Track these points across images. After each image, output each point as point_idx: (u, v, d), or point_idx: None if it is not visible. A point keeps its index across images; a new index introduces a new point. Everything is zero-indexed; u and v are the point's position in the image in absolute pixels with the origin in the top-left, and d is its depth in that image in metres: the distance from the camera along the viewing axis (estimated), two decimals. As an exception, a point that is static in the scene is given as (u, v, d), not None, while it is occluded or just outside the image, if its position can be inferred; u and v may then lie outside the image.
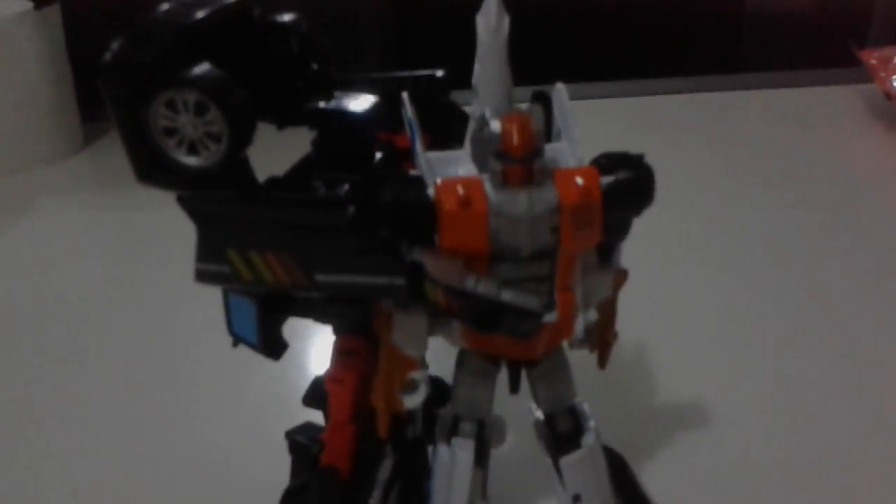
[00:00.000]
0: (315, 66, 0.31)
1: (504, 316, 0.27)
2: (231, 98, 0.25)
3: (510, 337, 0.28)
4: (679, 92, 0.87)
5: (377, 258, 0.26)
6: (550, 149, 0.28)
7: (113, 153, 0.49)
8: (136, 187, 0.27)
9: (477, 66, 0.28)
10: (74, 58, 0.81)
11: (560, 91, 0.29)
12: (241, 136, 0.25)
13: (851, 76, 0.82)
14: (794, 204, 0.63)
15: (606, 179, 0.27)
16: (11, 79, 0.75)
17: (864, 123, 0.75)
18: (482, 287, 0.27)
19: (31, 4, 0.76)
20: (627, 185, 0.28)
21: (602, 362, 0.33)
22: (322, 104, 0.30)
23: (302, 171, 0.30)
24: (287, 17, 0.31)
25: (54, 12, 0.80)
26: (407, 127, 0.28)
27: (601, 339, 0.32)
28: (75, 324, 0.53)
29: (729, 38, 0.95)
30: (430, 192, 0.26)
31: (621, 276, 0.31)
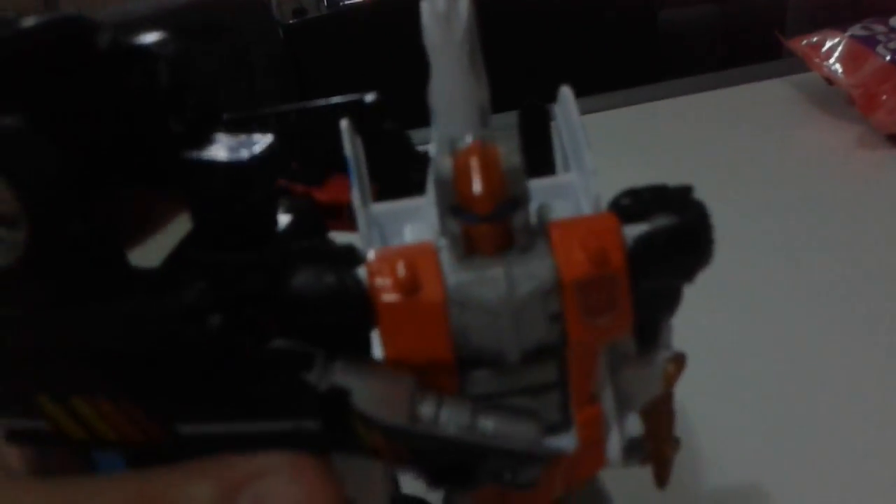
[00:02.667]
0: (193, 102, 0.23)
1: (484, 461, 0.18)
2: (24, 161, 0.16)
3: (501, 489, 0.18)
4: (605, 109, 0.82)
5: (272, 389, 0.17)
6: (551, 186, 0.20)
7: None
8: None
9: (431, 77, 0.20)
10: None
11: (566, 97, 0.21)
12: (50, 217, 0.17)
13: (782, 68, 0.79)
14: (759, 205, 0.58)
15: (635, 231, 0.18)
16: None
17: (808, 112, 0.72)
18: (446, 416, 0.18)
19: None
20: (670, 238, 0.18)
21: (661, 480, 0.23)
22: (193, 154, 0.20)
23: (176, 256, 0.20)
24: (149, 39, 0.22)
25: None
26: (349, 166, 0.20)
27: (656, 452, 0.22)
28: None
29: (645, 53, 0.92)
30: (362, 272, 0.17)
31: (677, 364, 0.21)
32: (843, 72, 0.66)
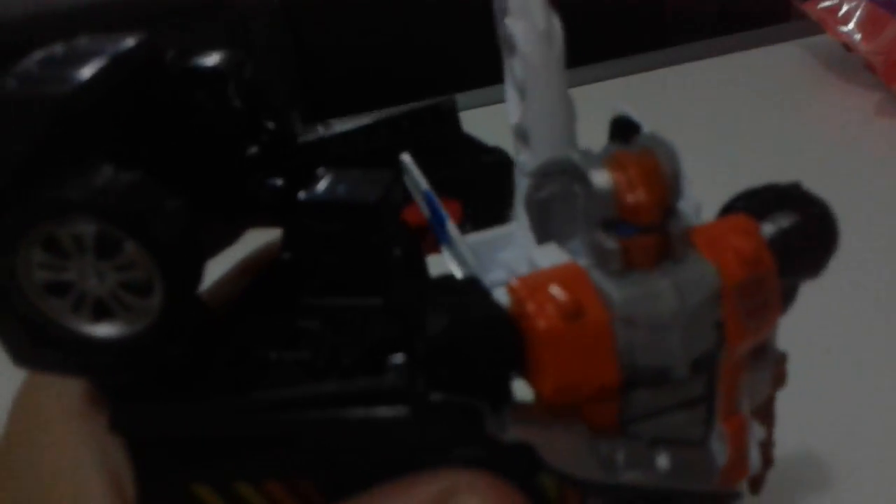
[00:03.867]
0: (269, 125, 0.21)
1: (677, 501, 0.17)
2: (159, 222, 0.15)
3: None
4: (611, 77, 0.80)
5: (455, 450, 0.16)
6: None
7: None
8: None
9: (518, 99, 0.19)
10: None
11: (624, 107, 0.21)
12: (184, 279, 0.16)
13: (794, 31, 0.77)
14: (773, 177, 0.56)
15: (767, 230, 0.18)
16: None
17: (823, 78, 0.70)
18: (622, 457, 0.17)
19: None
20: (802, 234, 0.19)
21: (756, 486, 0.23)
22: (303, 194, 0.19)
23: (270, 299, 0.19)
24: (218, 58, 0.21)
25: None
26: (423, 203, 0.20)
27: (764, 456, 0.22)
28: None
29: (653, 22, 0.90)
30: (503, 301, 0.16)
31: (782, 365, 0.21)
32: (863, 37, 0.64)
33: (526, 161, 0.19)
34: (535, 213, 0.18)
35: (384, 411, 0.16)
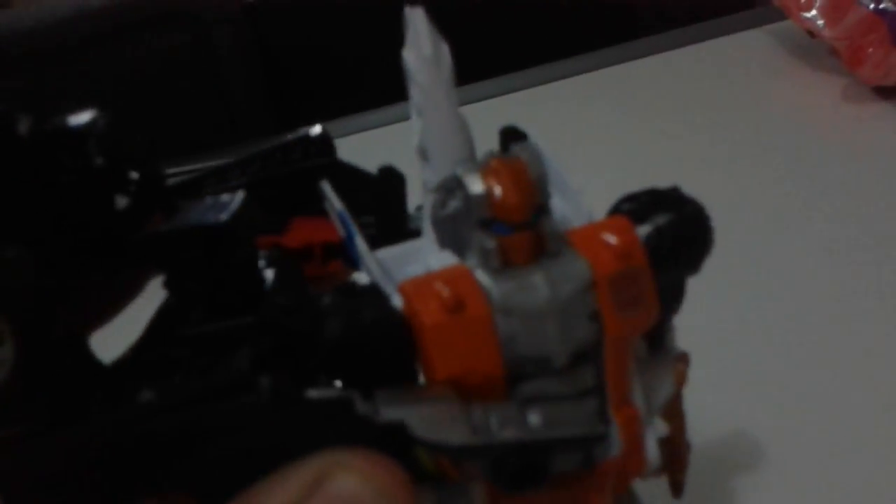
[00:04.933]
0: (135, 173, 0.20)
1: (552, 453, 0.18)
2: (15, 299, 0.15)
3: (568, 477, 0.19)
4: (581, 73, 0.80)
5: (327, 438, 0.17)
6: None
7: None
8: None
9: (418, 120, 0.21)
10: None
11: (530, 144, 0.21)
12: (34, 327, 0.16)
13: (759, 17, 0.78)
14: (742, 166, 0.57)
15: (643, 230, 0.20)
16: None
17: (789, 64, 0.70)
18: (496, 420, 0.18)
19: None
20: (676, 232, 0.20)
21: (677, 488, 0.24)
22: (165, 225, 0.19)
23: (159, 331, 0.19)
24: (74, 119, 0.20)
25: None
26: (337, 221, 0.21)
27: (671, 456, 0.22)
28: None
29: (622, 12, 0.90)
30: (396, 302, 0.18)
31: (683, 363, 0.22)
32: (826, 23, 0.64)
33: (428, 178, 0.21)
34: (441, 227, 0.19)
35: (240, 398, 0.16)
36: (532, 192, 0.18)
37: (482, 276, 0.18)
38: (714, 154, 0.60)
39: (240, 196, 0.20)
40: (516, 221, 0.18)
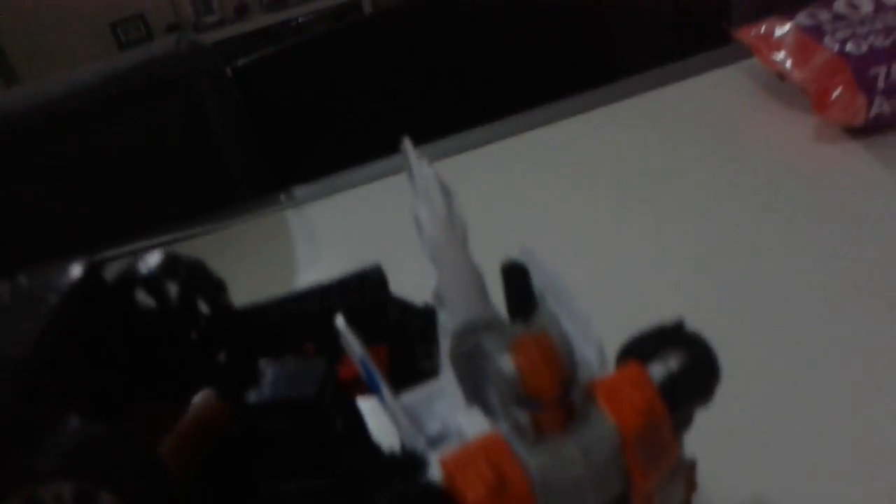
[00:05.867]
0: (206, 308, 0.24)
1: None
2: (130, 476, 0.17)
3: None
4: (557, 120, 0.82)
5: None
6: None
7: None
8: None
9: (432, 268, 0.22)
10: None
11: (528, 254, 0.23)
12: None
13: (733, 54, 0.79)
14: (716, 205, 0.59)
15: (657, 373, 0.21)
16: None
17: (762, 103, 0.73)
18: None
19: None
20: (688, 377, 0.21)
21: None
22: (252, 396, 0.21)
23: (226, 476, 0.21)
24: (152, 262, 0.23)
25: None
26: (360, 368, 0.22)
27: None
28: None
29: (601, 47, 0.92)
30: (434, 473, 0.18)
31: (692, 470, 0.24)
32: (794, 64, 0.66)
33: (445, 322, 0.22)
34: (458, 366, 0.21)
35: None
36: (561, 369, 0.19)
37: (518, 447, 0.19)
38: (690, 193, 0.62)
39: (320, 365, 0.22)
40: (548, 399, 0.19)
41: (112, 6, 4.44)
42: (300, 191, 0.85)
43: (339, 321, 0.23)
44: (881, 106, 0.59)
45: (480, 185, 0.74)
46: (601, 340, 0.22)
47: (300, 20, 4.24)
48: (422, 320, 0.24)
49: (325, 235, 0.77)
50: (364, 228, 0.75)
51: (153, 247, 0.81)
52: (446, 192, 0.22)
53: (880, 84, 0.59)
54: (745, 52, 0.76)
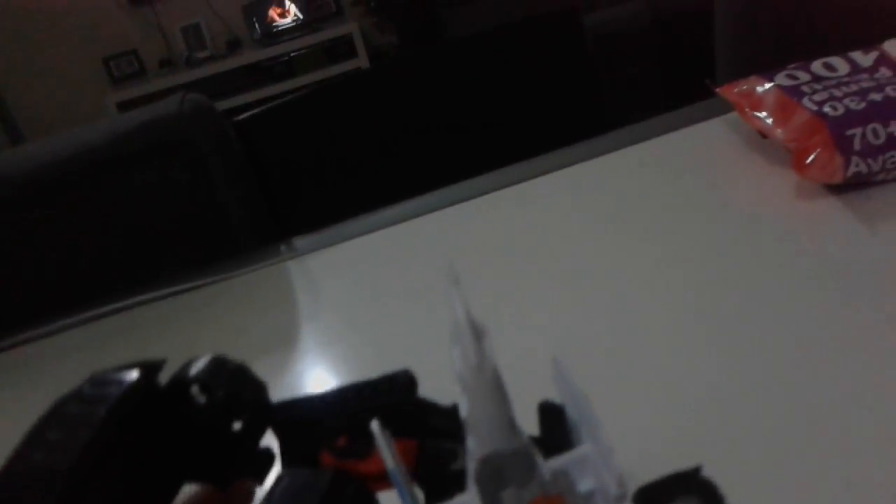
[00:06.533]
0: (248, 402, 0.26)
1: None
2: None
3: None
4: (544, 173, 0.85)
5: None
6: (571, 462, 0.23)
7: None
8: None
9: (464, 397, 0.23)
10: None
11: (561, 369, 0.24)
12: None
13: (718, 107, 0.83)
14: (696, 259, 0.61)
15: None
16: None
17: (745, 156, 0.75)
18: None
19: None
20: None
21: None
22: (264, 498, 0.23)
23: None
24: (201, 365, 0.26)
25: None
26: (392, 479, 0.24)
27: None
28: None
29: (588, 103, 0.96)
30: None
31: None
32: (774, 123, 0.69)
33: (473, 448, 0.23)
34: (483, 489, 0.22)
35: None
36: None
37: None
38: (669, 251, 0.64)
39: (327, 481, 0.23)
40: None
41: (105, 42, 4.49)
42: (301, 242, 0.88)
43: (375, 425, 0.25)
44: (858, 165, 0.62)
45: (471, 234, 0.77)
46: (622, 472, 0.22)
47: (292, 55, 4.29)
48: (447, 421, 0.26)
49: (326, 286, 0.80)
50: (364, 279, 0.77)
51: (160, 298, 0.83)
52: (479, 335, 0.22)
53: (856, 145, 0.62)
54: (729, 107, 0.79)
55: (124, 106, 4.21)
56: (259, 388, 0.26)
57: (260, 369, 0.67)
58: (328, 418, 0.26)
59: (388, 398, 0.26)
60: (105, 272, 0.77)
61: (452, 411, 0.27)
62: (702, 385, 0.49)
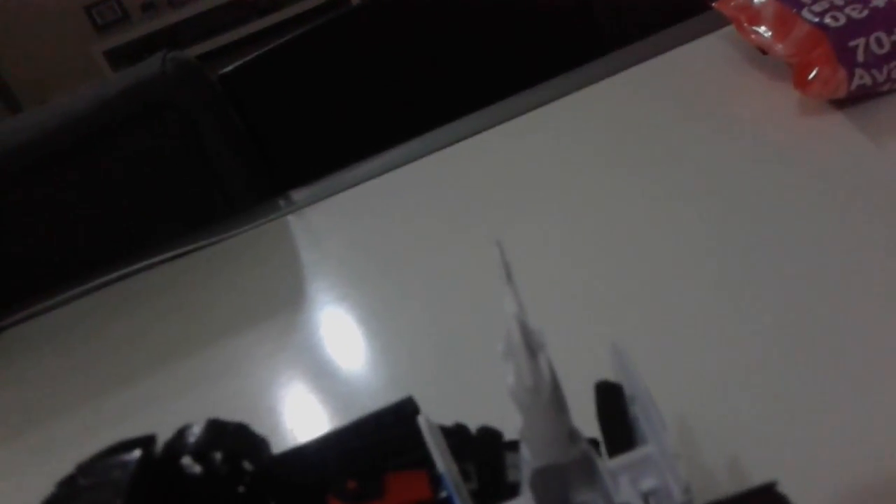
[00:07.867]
0: (249, 465, 0.26)
1: None
2: None
3: None
4: (544, 104, 0.83)
5: None
6: (635, 460, 0.23)
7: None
8: None
9: (523, 421, 0.22)
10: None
11: (623, 358, 0.23)
12: None
13: (715, 21, 0.80)
14: (699, 182, 0.60)
15: None
16: None
17: (746, 73, 0.73)
18: None
19: None
20: None
21: None
22: None
23: None
24: (196, 431, 0.25)
25: None
26: (445, 481, 0.23)
27: None
28: None
29: (584, 26, 0.93)
30: None
31: None
32: (773, 36, 0.67)
33: (527, 458, 0.22)
34: (536, 492, 0.22)
35: None
36: None
37: None
38: (675, 171, 0.63)
39: None
40: None
41: (83, -11, 4.38)
42: (299, 194, 0.87)
43: (422, 419, 0.23)
44: (862, 78, 0.60)
45: (471, 172, 0.76)
46: (689, 482, 0.21)
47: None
48: (454, 441, 0.26)
49: (328, 237, 0.79)
50: (366, 227, 0.76)
51: (161, 262, 0.83)
52: (534, 350, 0.21)
53: (860, 56, 0.60)
54: (726, 21, 0.76)
55: (112, 54, 4.14)
56: (260, 446, 0.26)
57: (267, 330, 0.67)
58: (333, 462, 0.25)
59: (389, 432, 0.26)
60: (103, 241, 0.76)
61: (458, 430, 0.27)
62: (711, 315, 0.48)
